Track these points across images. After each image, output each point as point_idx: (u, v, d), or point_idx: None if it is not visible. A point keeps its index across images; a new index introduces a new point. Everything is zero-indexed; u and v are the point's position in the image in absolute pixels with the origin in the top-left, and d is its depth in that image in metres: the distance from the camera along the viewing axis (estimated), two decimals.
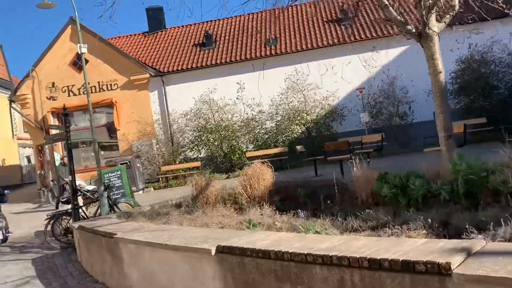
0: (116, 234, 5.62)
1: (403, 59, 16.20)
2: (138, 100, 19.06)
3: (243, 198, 7.17)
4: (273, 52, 18.08)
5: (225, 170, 17.04)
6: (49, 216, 9.34)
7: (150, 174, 18.39)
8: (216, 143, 17.28)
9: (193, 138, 18.06)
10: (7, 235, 9.89)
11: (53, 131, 19.60)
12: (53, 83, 19.68)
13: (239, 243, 3.77)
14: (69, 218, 9.22)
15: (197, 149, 17.84)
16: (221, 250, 3.82)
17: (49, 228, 9.19)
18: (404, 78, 16.32)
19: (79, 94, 19.48)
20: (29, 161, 34.13)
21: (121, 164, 16.22)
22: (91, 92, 19.30)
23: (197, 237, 4.47)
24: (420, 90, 16.18)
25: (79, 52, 9.66)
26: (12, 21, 77.21)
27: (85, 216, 9.30)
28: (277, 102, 17.30)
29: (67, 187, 14.57)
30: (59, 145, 19.71)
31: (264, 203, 6.59)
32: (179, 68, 18.86)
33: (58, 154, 19.39)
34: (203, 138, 17.52)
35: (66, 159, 15.22)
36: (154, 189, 16.85)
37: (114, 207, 9.43)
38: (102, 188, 9.19)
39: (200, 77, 18.46)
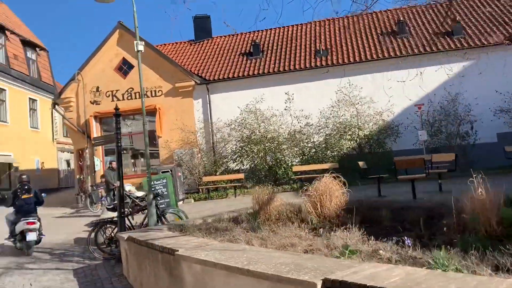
0: (178, 250, 4.86)
1: (466, 75, 15.05)
2: (182, 107, 18.60)
3: (313, 217, 6.35)
4: (323, 63, 17.28)
5: (268, 184, 16.20)
6: (93, 224, 8.74)
7: (190, 184, 17.76)
8: (260, 155, 16.51)
9: (236, 149, 17.37)
10: (42, 237, 9.81)
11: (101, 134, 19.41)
12: (98, 87, 19.50)
13: (354, 278, 2.92)
14: (113, 226, 8.59)
15: (240, 160, 17.11)
16: (329, 285, 2.97)
17: (92, 236, 8.58)
18: (467, 95, 15.16)
19: (123, 99, 19.21)
20: (68, 165, 34.40)
21: (162, 172, 15.69)
22: (135, 98, 19.08)
23: (285, 263, 3.63)
24: (485, 109, 14.98)
25: (135, 50, 9.11)
26: (54, 27, 79.86)
27: (131, 226, 8.65)
28: (326, 115, 16.42)
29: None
30: (99, 150, 19.45)
31: (338, 224, 5.76)
32: (225, 77, 18.32)
33: (98, 159, 19.10)
34: (247, 149, 16.79)
35: (114, 164, 14.81)
36: (195, 200, 16.18)
37: (162, 217, 8.73)
38: (151, 196, 8.52)
39: (246, 86, 17.84)
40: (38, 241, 9.54)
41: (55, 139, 32.11)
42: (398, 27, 17.64)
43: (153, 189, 11.29)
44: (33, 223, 9.47)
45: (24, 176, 10.28)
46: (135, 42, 8.99)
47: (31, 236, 9.32)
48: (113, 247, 8.49)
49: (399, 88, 15.55)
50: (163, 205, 10.30)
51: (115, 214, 9.76)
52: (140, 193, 10.71)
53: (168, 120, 18.68)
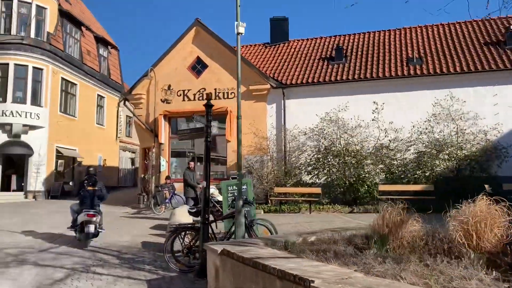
0: (314, 281, 3.49)
1: None
2: (254, 111, 17.46)
3: (469, 251, 4.80)
4: (418, 71, 15.51)
5: (346, 202, 14.60)
6: (171, 230, 7.62)
7: (258, 194, 16.48)
8: (339, 169, 14.96)
9: (311, 160, 15.93)
10: (100, 230, 9.79)
11: (163, 136, 18.69)
12: (169, 86, 18.83)
13: None
14: (193, 234, 7.41)
15: (315, 173, 15.64)
16: None
17: (168, 243, 7.43)
18: None
19: (194, 99, 18.38)
20: (132, 163, 34.44)
21: (232, 178, 14.54)
22: (205, 99, 18.14)
23: None
24: None
25: (236, 32, 7.94)
26: (124, 26, 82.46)
27: (213, 235, 7.42)
28: (420, 130, 14.60)
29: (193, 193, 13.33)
30: (166, 150, 18.68)
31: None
32: (303, 81, 16.99)
33: (164, 159, 18.31)
34: (325, 161, 15.30)
35: (192, 164, 13.92)
36: (264, 211, 14.86)
37: (250, 229, 7.44)
38: (241, 203, 7.26)
39: (327, 92, 16.42)
40: (96, 234, 9.52)
41: (119, 137, 32.17)
42: (507, 37, 15.55)
43: (231, 195, 10.13)
44: (93, 215, 9.45)
45: (91, 169, 10.46)
46: (235, 23, 7.81)
47: (89, 229, 9.31)
48: (191, 257, 7.31)
49: (505, 104, 13.66)
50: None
51: (188, 219, 8.65)
52: (221, 197, 9.51)
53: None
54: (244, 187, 10.80)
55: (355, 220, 12.33)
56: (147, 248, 9.32)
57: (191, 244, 7.32)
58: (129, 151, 34.73)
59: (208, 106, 7.58)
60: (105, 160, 29.78)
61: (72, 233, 10.01)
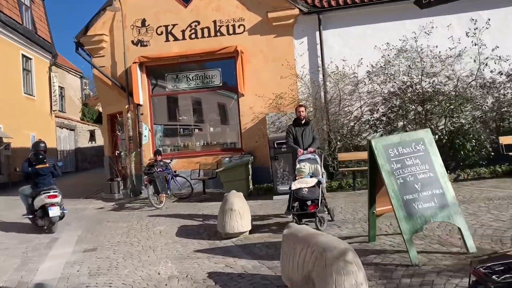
0: None
1: None
2: (275, 51, 12.35)
3: None
4: None
5: (451, 166, 10.20)
6: None
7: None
8: (423, 120, 10.47)
9: (374, 112, 11.28)
10: (64, 211, 8.79)
11: (141, 94, 12.96)
12: (144, 21, 13.00)
13: None
14: None
15: (380, 129, 11.03)
16: None
17: None
18: None
19: (183, 38, 12.78)
20: (92, 138, 27.54)
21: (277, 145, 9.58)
22: (202, 37, 12.73)
23: None
24: None
25: None
26: None
27: None
28: None
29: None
30: (147, 115, 13.03)
31: None
32: (349, 2, 12.03)
33: (146, 127, 12.70)
34: (399, 111, 10.71)
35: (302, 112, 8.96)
36: (332, 189, 10.02)
37: None
38: None
39: (388, 15, 11.65)
40: (62, 217, 8.60)
41: (54, 111, 25.27)
42: None
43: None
44: (55, 196, 8.46)
45: (42, 145, 9.39)
46: None
47: (54, 211, 8.29)
48: None
49: None
50: None
51: None
52: None
53: (253, 70, 12.42)
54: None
55: (504, 190, 8.03)
56: None
57: None
58: (67, 128, 27.85)
59: None
60: (39, 140, 22.93)
61: None
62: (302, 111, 7.72)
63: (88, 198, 13.88)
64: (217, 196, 11.20)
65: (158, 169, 10.95)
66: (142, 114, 12.92)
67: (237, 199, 6.70)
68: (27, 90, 22.32)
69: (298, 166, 7.04)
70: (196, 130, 13.47)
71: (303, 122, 7.68)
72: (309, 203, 6.40)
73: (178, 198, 11.25)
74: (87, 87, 40.41)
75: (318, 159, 7.02)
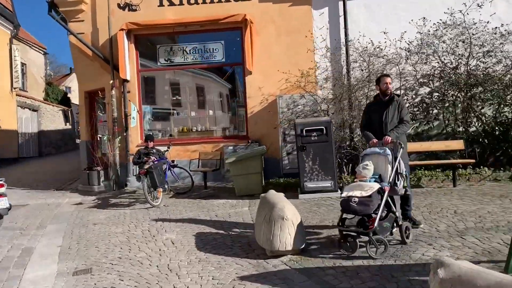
0: None
1: None
2: (290, 22, 10.58)
3: None
4: None
5: (505, 162, 8.78)
6: None
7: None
8: (472, 106, 9.01)
9: (411, 97, 9.73)
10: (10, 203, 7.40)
11: (128, 68, 10.90)
12: None
13: None
14: None
15: (428, 115, 9.49)
16: None
17: None
18: None
19: (180, 3, 10.77)
20: (66, 119, 24.70)
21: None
22: (204, 2, 10.79)
23: None
24: None
25: None
26: None
27: None
28: None
29: None
30: (135, 94, 11.00)
31: None
32: None
33: (135, 107, 10.70)
34: (444, 96, 9.20)
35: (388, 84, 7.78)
36: None
37: None
38: None
39: None
40: (9, 208, 7.26)
41: (15, 88, 22.51)
42: None
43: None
44: (2, 185, 7.11)
45: None
46: None
47: (1, 203, 6.97)
48: None
49: None
50: None
51: None
52: None
53: (264, 44, 10.62)
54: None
55: None
56: None
57: None
58: (30, 109, 25.04)
59: None
60: None
61: None
62: (389, 83, 5.57)
63: (61, 189, 11.78)
64: (222, 192, 9.42)
65: (153, 158, 9.04)
66: (129, 92, 10.87)
67: (287, 204, 4.97)
68: None
69: (360, 163, 5.14)
70: (193, 113, 11.54)
71: (386, 98, 5.56)
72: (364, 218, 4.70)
73: (175, 193, 9.37)
74: (48, 68, 37.18)
75: (390, 156, 4.95)
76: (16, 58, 22.46)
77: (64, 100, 32.51)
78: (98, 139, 11.32)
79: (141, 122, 11.13)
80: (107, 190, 10.55)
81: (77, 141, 36.81)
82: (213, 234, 6.06)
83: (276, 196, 5.31)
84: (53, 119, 28.20)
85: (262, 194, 5.58)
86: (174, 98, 11.60)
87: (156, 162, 8.75)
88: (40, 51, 29.52)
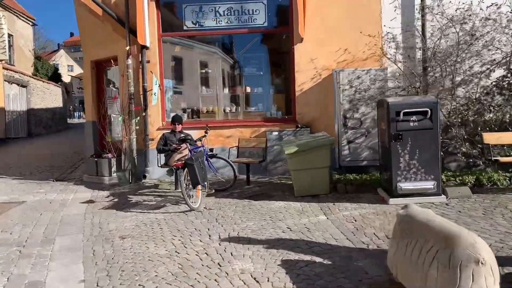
0: None
1: None
2: None
3: None
4: None
5: None
6: None
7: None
8: None
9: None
10: None
11: (147, 32, 8.72)
12: None
13: None
14: None
15: None
16: None
17: None
18: None
19: None
20: (66, 93, 22.32)
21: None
22: None
23: None
24: None
25: None
26: None
27: None
28: None
29: None
30: (155, 62, 8.88)
31: None
32: None
33: (157, 80, 8.57)
34: None
35: None
36: (473, 192, 6.37)
37: None
38: None
39: None
40: None
41: (1, 61, 20.08)
42: None
43: None
44: None
45: None
46: None
47: None
48: None
49: None
50: None
51: None
52: None
53: (317, 6, 8.55)
54: None
55: None
56: None
57: None
58: (18, 84, 22.60)
59: None
60: None
61: None
62: None
63: (61, 180, 9.72)
64: (271, 189, 7.50)
65: (185, 146, 7.04)
66: (148, 61, 8.75)
67: (477, 237, 3.00)
68: None
69: None
70: (225, 90, 9.48)
71: None
72: None
73: (214, 190, 7.36)
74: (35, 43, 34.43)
75: None
76: (3, 26, 19.96)
77: (54, 76, 30.01)
78: (110, 119, 9.21)
79: (163, 99, 9.05)
80: (122, 183, 8.52)
81: (69, 120, 34.54)
82: (307, 263, 4.12)
83: (433, 217, 3.37)
84: (44, 96, 25.79)
85: (402, 212, 3.62)
86: (203, 71, 9.51)
87: (195, 151, 6.74)
88: (29, 22, 26.92)
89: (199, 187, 6.60)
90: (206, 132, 7.54)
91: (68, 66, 55.31)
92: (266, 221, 5.62)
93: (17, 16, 24.68)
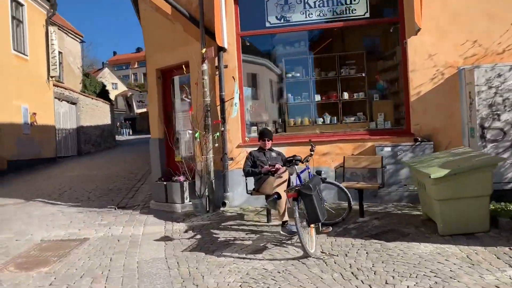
0: None
1: None
2: None
3: None
4: None
5: None
6: None
7: None
8: None
9: None
10: None
11: (225, 31, 7.25)
12: None
13: None
14: None
15: None
16: None
17: None
18: None
19: None
20: (128, 104, 21.76)
21: None
22: None
23: None
24: None
25: None
26: None
27: None
28: None
29: None
30: (234, 67, 7.33)
31: None
32: None
33: (237, 89, 6.98)
34: None
35: None
36: None
37: None
38: None
39: None
40: None
41: (52, 77, 19.42)
42: None
43: None
44: None
45: None
46: None
47: None
48: None
49: None
50: None
51: None
52: None
53: None
54: None
55: None
56: None
57: None
58: (68, 102, 21.95)
59: None
60: (34, 114, 17.24)
61: None
62: None
63: (123, 207, 8.32)
64: (395, 223, 5.76)
65: (282, 168, 5.44)
66: (226, 66, 7.27)
67: None
68: (17, 46, 16.49)
69: None
70: (317, 97, 7.84)
71: None
72: None
73: (331, 228, 5.64)
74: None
75: None
76: (54, 42, 19.37)
77: (102, 93, 29.50)
78: (189, 134, 7.77)
79: (242, 111, 7.51)
80: (198, 212, 7.02)
81: (117, 138, 33.97)
82: None
83: None
84: (93, 114, 25.16)
85: None
86: (290, 75, 7.92)
87: (311, 176, 5.11)
88: (77, 39, 26.52)
89: (312, 225, 4.95)
90: (312, 150, 5.89)
91: (112, 84, 55.67)
92: (431, 280, 3.87)
93: (65, 33, 24.26)
